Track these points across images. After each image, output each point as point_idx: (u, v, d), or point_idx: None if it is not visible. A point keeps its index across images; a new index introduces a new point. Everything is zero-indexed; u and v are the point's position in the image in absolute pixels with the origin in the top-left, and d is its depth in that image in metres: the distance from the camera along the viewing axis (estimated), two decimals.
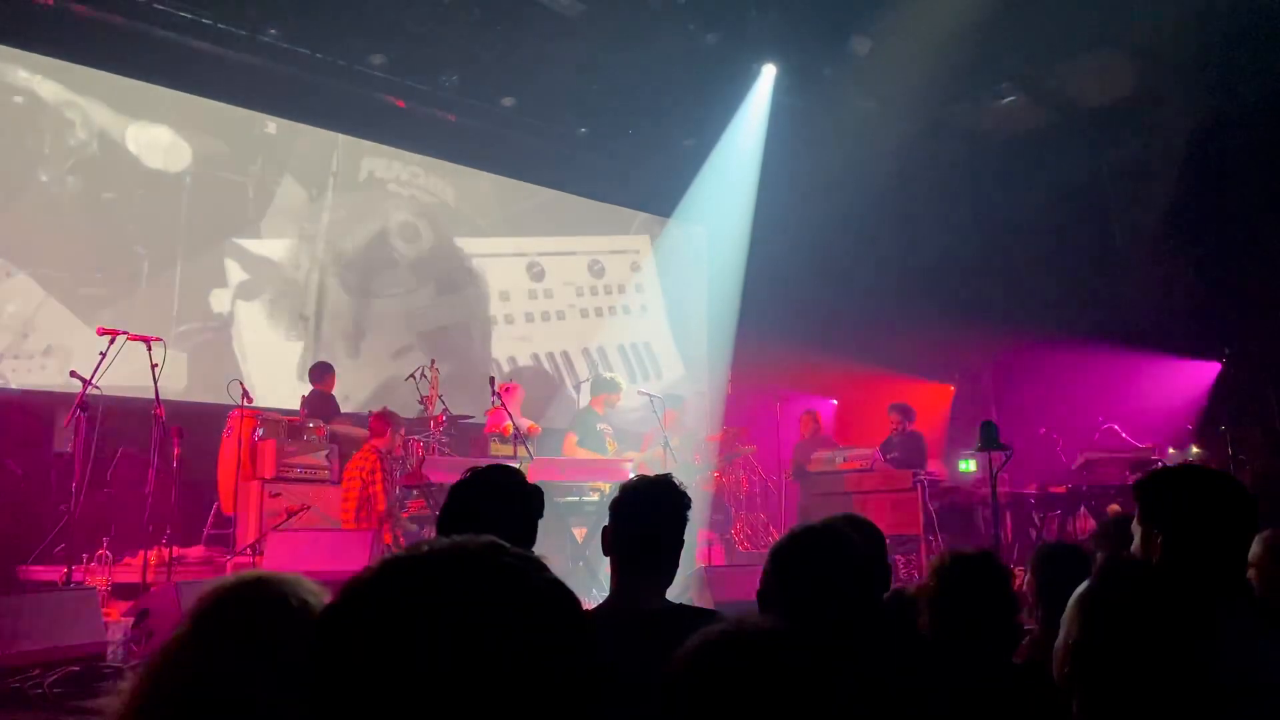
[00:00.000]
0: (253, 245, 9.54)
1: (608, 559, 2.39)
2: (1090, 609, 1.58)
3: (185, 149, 9.20)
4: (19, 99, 8.41)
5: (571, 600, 0.88)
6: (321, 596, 1.43)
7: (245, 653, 1.35)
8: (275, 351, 9.50)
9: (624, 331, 12.21)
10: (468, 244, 11.11)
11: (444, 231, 10.96)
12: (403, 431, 7.76)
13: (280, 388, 9.26)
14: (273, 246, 9.66)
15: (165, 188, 9.06)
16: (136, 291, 8.76)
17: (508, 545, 0.88)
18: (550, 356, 11.56)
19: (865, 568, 2.07)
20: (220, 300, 9.28)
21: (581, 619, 0.87)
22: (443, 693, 0.77)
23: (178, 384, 7.52)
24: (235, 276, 9.39)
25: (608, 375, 8.86)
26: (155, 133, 9.07)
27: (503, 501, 2.37)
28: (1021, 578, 6.70)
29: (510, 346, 11.27)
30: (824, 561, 1.97)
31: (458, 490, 2.35)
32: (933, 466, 8.90)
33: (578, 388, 10.19)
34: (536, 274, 11.61)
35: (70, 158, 8.62)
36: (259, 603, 1.40)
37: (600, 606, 2.36)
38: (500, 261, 11.33)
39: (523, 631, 0.80)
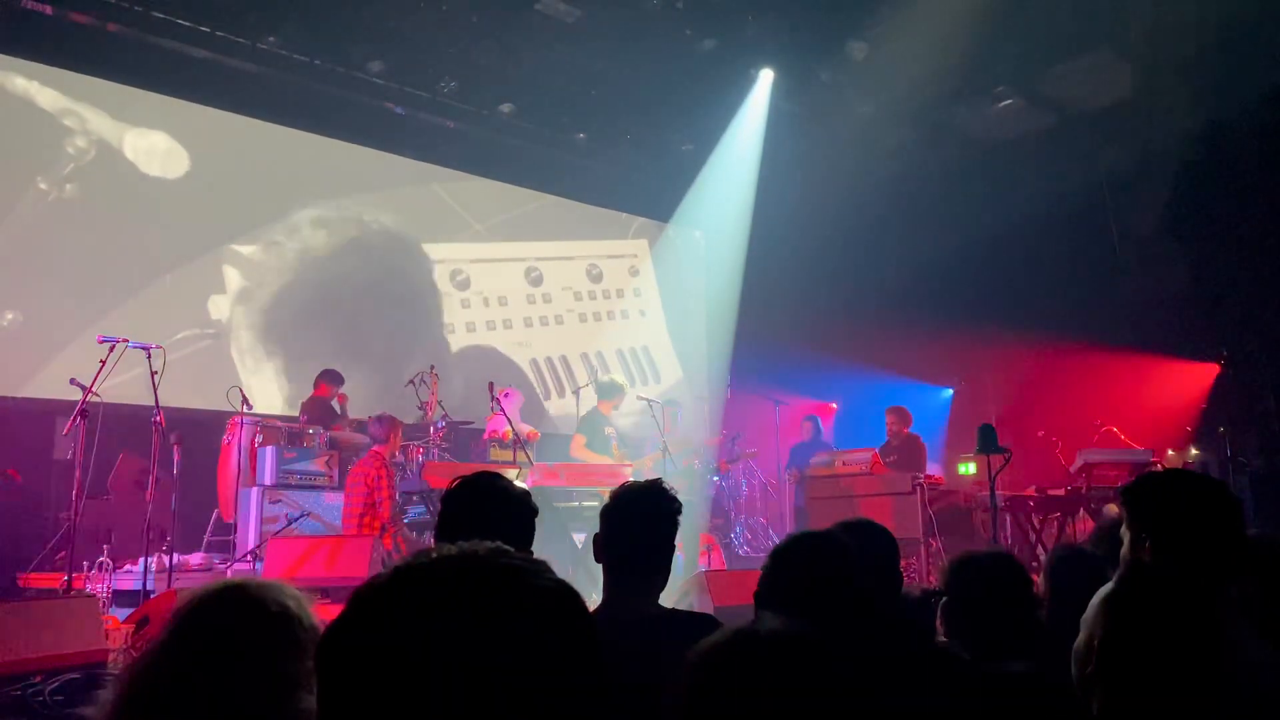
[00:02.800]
0: (251, 252, 9.56)
1: None
2: (1116, 610, 1.59)
3: (183, 155, 9.23)
4: (17, 107, 8.44)
5: (578, 602, 0.90)
6: (301, 600, 1.45)
7: (225, 658, 1.36)
8: (273, 358, 9.53)
9: (623, 336, 12.24)
10: (466, 249, 11.14)
11: (442, 237, 10.99)
12: (400, 434, 7.76)
13: (278, 395, 9.29)
14: (272, 253, 9.69)
15: (163, 194, 9.09)
16: (135, 298, 8.78)
17: (512, 550, 0.90)
18: (549, 361, 11.59)
19: (861, 572, 2.08)
20: (219, 307, 9.30)
21: (588, 620, 0.89)
22: (457, 697, 0.78)
23: (176, 390, 7.56)
24: (234, 284, 9.42)
25: (615, 379, 8.81)
26: (153, 139, 9.10)
27: (498, 506, 2.38)
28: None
29: (509, 351, 11.29)
30: (819, 565, 1.99)
31: (450, 499, 2.37)
32: (931, 469, 8.90)
33: (577, 393, 10.19)
34: (535, 279, 11.64)
35: (69, 164, 8.66)
36: (238, 609, 1.42)
37: (593, 613, 2.37)
38: (498, 267, 11.37)
39: (532, 635, 0.82)
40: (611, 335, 12.13)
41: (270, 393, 9.34)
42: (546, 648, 0.83)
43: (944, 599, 2.40)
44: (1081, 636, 1.66)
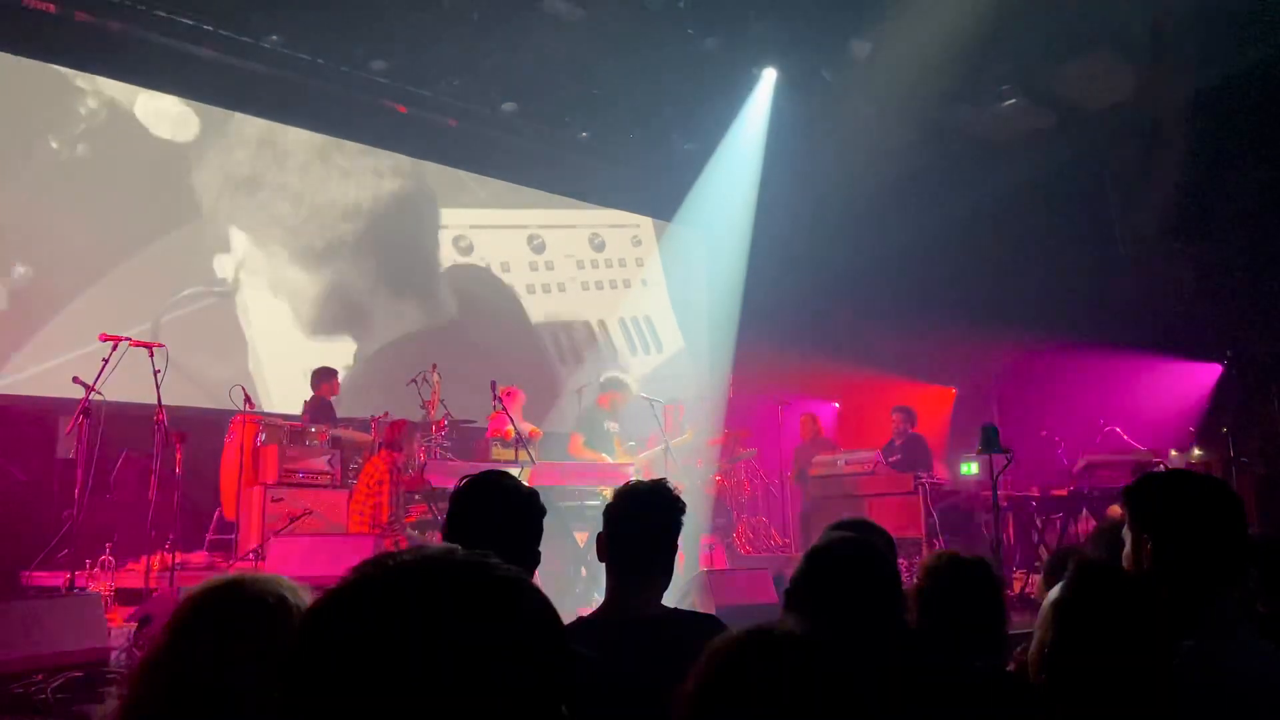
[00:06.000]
0: (257, 213, 9.68)
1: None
2: (1063, 614, 1.59)
3: (193, 119, 9.37)
4: (29, 67, 8.58)
5: (530, 595, 0.88)
6: (299, 592, 1.45)
7: (227, 653, 1.37)
8: (279, 317, 9.70)
9: (625, 305, 12.33)
10: (469, 215, 11.24)
11: (446, 202, 11.10)
12: (413, 442, 7.79)
13: (284, 352, 9.49)
14: (276, 216, 9.80)
15: (170, 151, 9.23)
16: (141, 254, 8.88)
17: (460, 548, 0.90)
18: (551, 329, 11.67)
19: (896, 580, 2.07)
20: (224, 265, 9.42)
21: (542, 613, 0.88)
22: (407, 698, 0.79)
23: (182, 344, 7.65)
24: (240, 243, 9.54)
25: (617, 375, 8.72)
26: (163, 102, 9.24)
27: (506, 505, 2.38)
28: (1021, 584, 6.70)
29: (512, 319, 11.40)
30: (856, 570, 1.97)
31: (459, 498, 2.37)
32: (935, 469, 8.89)
33: (580, 391, 10.18)
34: (537, 246, 11.71)
35: (80, 125, 8.77)
36: (236, 603, 1.42)
37: (596, 613, 2.37)
38: (501, 233, 11.46)
39: (479, 633, 0.82)
40: (614, 304, 12.20)
41: (275, 354, 9.52)
42: (506, 641, 0.83)
43: (920, 592, 2.42)
44: (1034, 640, 1.66)
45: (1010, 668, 2.51)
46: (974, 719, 1.99)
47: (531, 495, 2.41)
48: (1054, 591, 1.66)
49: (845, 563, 1.97)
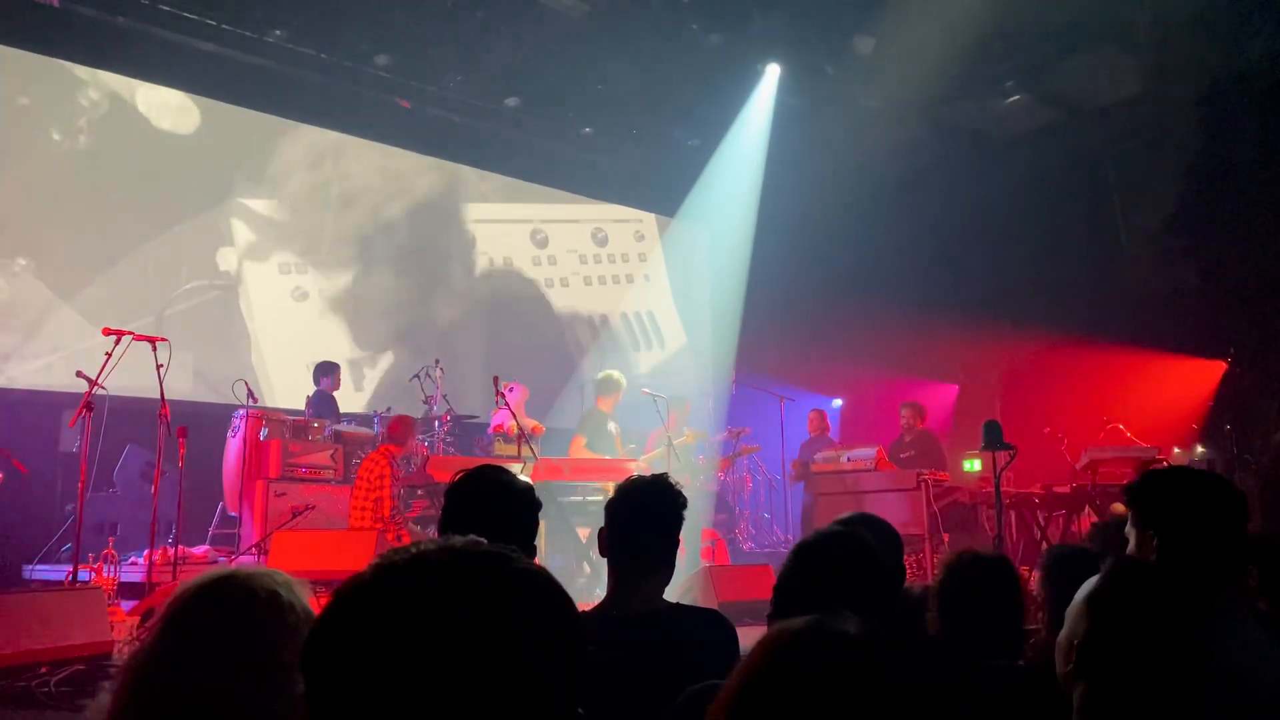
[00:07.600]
0: (259, 206, 9.69)
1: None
2: (1098, 608, 1.59)
3: (194, 111, 9.37)
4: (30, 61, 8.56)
5: (551, 588, 0.89)
6: (293, 587, 1.45)
7: (218, 648, 1.36)
8: (282, 312, 9.71)
9: (628, 300, 12.35)
10: (471, 209, 11.26)
11: (447, 197, 11.10)
12: (415, 438, 7.79)
13: (287, 346, 9.51)
14: (279, 208, 9.82)
15: (172, 144, 9.23)
16: (144, 247, 8.89)
17: (485, 541, 0.90)
18: (554, 324, 11.70)
19: (885, 574, 2.07)
20: (227, 259, 9.43)
21: (562, 606, 0.88)
22: (444, 691, 0.79)
23: (186, 335, 7.61)
24: (242, 236, 9.54)
25: (610, 374, 8.66)
26: (165, 95, 9.24)
27: (501, 500, 2.38)
28: (1024, 580, 6.68)
29: (515, 314, 11.41)
30: (845, 565, 1.96)
31: (454, 493, 2.37)
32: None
33: (583, 387, 10.19)
34: (540, 241, 11.71)
35: (82, 116, 8.77)
36: (228, 598, 1.42)
37: (597, 608, 2.37)
38: (504, 228, 11.47)
39: (514, 621, 0.83)
40: (617, 299, 12.22)
41: (276, 348, 9.53)
42: (528, 633, 0.83)
43: (940, 592, 2.41)
44: (1064, 632, 1.66)
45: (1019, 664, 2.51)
46: (985, 715, 1.99)
47: (527, 489, 2.41)
48: (1087, 585, 1.66)
49: (832, 559, 1.95)
